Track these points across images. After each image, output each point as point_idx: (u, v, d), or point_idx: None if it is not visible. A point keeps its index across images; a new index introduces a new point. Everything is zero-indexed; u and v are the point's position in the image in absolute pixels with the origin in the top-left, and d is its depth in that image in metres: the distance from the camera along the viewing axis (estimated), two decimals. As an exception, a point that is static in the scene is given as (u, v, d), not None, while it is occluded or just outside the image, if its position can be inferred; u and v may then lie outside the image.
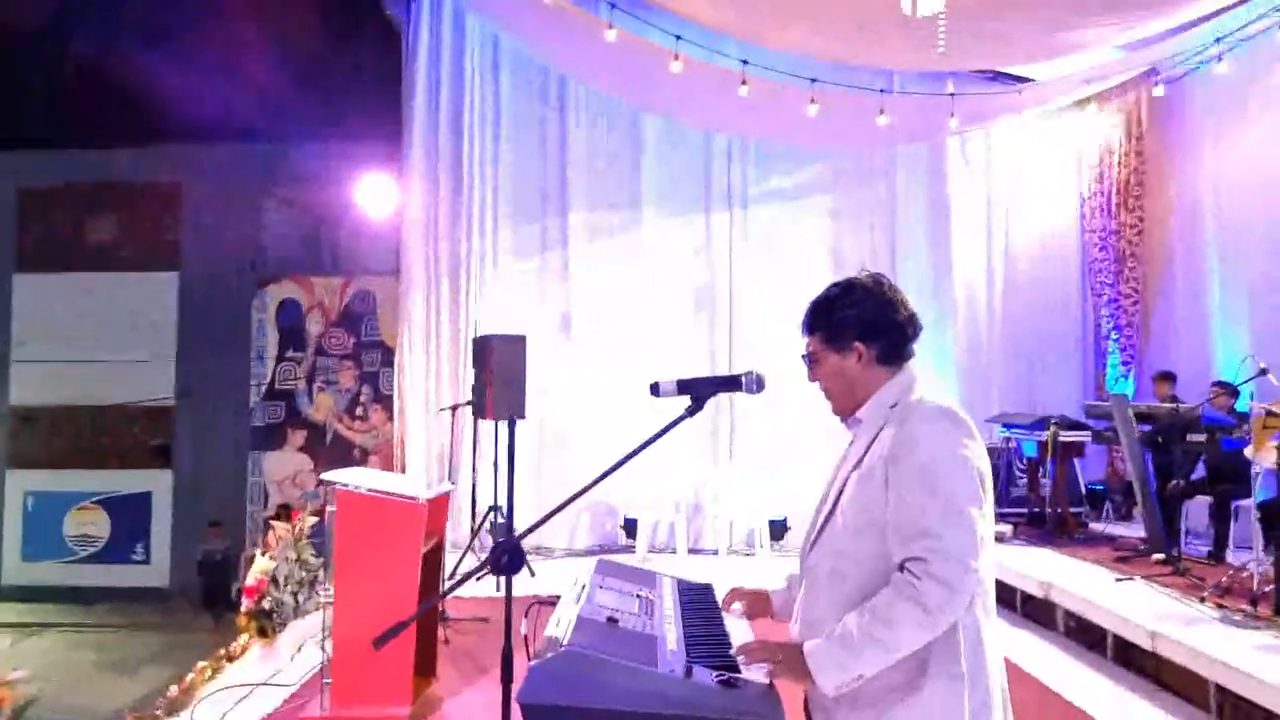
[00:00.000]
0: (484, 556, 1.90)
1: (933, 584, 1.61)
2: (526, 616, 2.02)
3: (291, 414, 12.55)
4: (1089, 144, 9.20)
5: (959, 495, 1.67)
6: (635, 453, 1.92)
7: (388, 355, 10.68)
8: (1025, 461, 8.43)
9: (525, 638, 1.96)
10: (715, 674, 1.62)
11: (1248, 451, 5.57)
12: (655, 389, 1.97)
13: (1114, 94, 8.86)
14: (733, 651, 1.73)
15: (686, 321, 8.93)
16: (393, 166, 9.19)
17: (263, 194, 12.37)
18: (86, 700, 8.07)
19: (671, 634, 1.85)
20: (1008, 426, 8.39)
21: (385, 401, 10.97)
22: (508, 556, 1.92)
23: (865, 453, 1.81)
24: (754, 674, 1.66)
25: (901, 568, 1.66)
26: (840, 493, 1.83)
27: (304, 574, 5.53)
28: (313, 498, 11.13)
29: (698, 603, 2.18)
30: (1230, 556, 6.30)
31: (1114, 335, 9.01)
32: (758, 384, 1.95)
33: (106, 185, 12.78)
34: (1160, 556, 6.29)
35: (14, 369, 12.69)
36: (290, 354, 12.70)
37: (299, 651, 5.27)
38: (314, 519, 5.73)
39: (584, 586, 2.08)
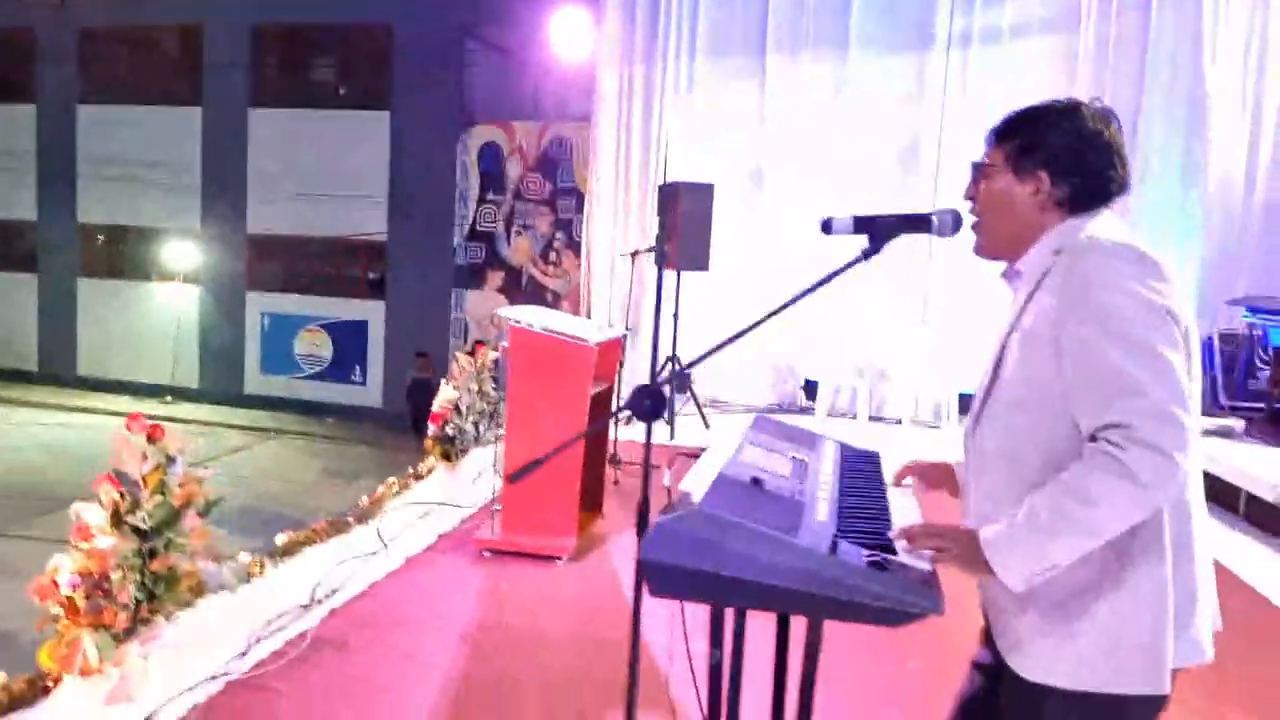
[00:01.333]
0: (622, 404, 1.75)
1: (1141, 450, 1.30)
2: (671, 468, 1.88)
3: (491, 255, 13.00)
4: None
5: (1154, 340, 1.34)
6: (801, 296, 1.69)
7: (581, 202, 10.68)
8: (1270, 352, 7.41)
9: (667, 490, 1.82)
10: (865, 553, 1.41)
11: None
12: (827, 225, 1.71)
13: None
14: (891, 534, 1.50)
15: (890, 179, 8.27)
16: (589, 7, 8.92)
17: (467, 36, 12.44)
18: (316, 502, 9.04)
19: (823, 503, 1.65)
20: (1252, 310, 7.35)
21: (578, 248, 11.08)
22: (650, 401, 1.76)
23: (1025, 308, 1.50)
24: (913, 558, 1.44)
25: (1094, 437, 1.36)
26: (1000, 360, 1.54)
27: (484, 405, 5.72)
28: (504, 336, 11.61)
29: (861, 472, 1.96)
30: None
31: None
32: (953, 224, 1.63)
33: (326, 24, 13.25)
34: None
35: (250, 199, 13.76)
36: (490, 197, 13.03)
37: (478, 477, 5.52)
38: (495, 354, 5.88)
39: (734, 442, 1.90)
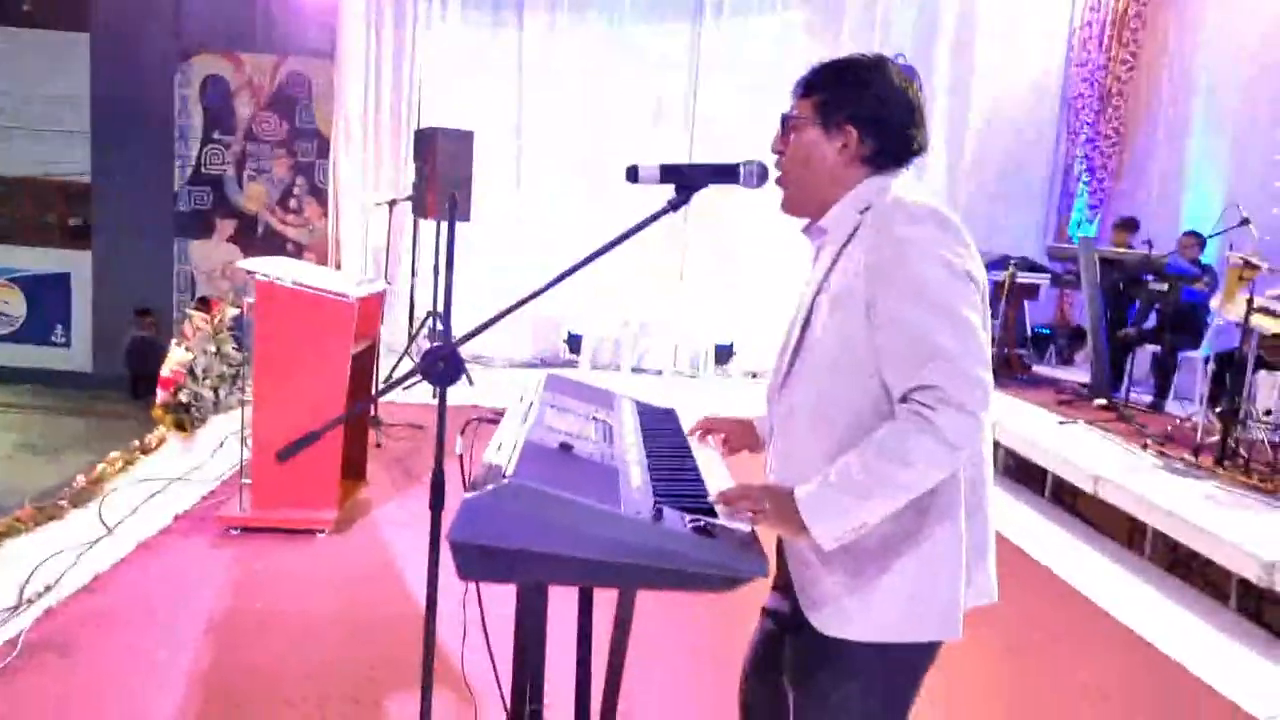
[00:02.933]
0: (415, 366, 1.57)
1: (952, 412, 1.33)
2: (463, 434, 1.72)
3: (220, 201, 11.76)
4: (1088, -33, 8.55)
5: (960, 306, 1.38)
6: (600, 252, 1.57)
7: (324, 146, 9.89)
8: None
9: (460, 458, 1.67)
10: (689, 519, 1.34)
11: (1213, 303, 5.45)
12: (633, 173, 1.60)
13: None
14: (711, 498, 1.44)
15: (644, 133, 8.37)
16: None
17: (185, -48, 11.06)
18: (9, 480, 7.83)
19: (635, 467, 1.57)
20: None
21: (321, 195, 10.28)
22: (444, 363, 1.59)
23: (832, 267, 1.50)
24: (735, 521, 1.39)
25: (905, 398, 1.38)
26: (809, 319, 1.52)
27: (225, 368, 5.18)
28: (241, 291, 10.61)
29: (662, 430, 1.90)
30: (1172, 406, 6.33)
31: (1085, 177, 8.72)
32: (759, 176, 1.58)
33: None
34: (1104, 401, 6.29)
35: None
36: (217, 136, 11.77)
37: (220, 448, 5.01)
38: (235, 311, 5.32)
39: (532, 404, 1.78)
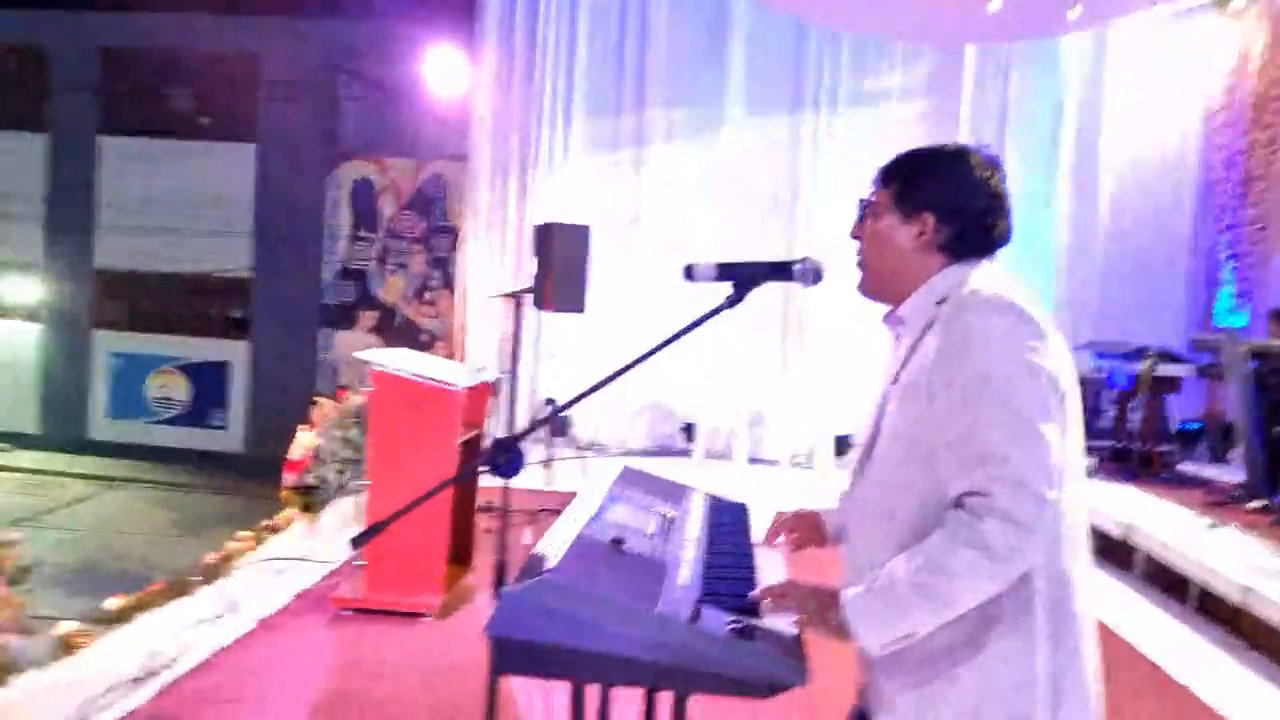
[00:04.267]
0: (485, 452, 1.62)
1: (997, 521, 1.27)
2: (536, 521, 1.76)
3: (363, 294, 12.56)
4: (1223, 50, 8.24)
5: (1027, 408, 1.32)
6: (667, 343, 1.62)
7: (457, 241, 10.47)
8: (1115, 393, 7.87)
9: (528, 549, 1.70)
10: (728, 619, 1.32)
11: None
12: (689, 272, 1.64)
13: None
14: (754, 594, 1.42)
15: (762, 227, 8.48)
16: (467, 46, 8.85)
17: (339, 70, 12.11)
18: (163, 557, 8.38)
19: (686, 564, 1.56)
20: (1100, 355, 7.81)
21: (453, 287, 10.83)
22: (506, 455, 1.64)
23: (907, 359, 1.47)
24: (778, 622, 1.36)
25: (959, 503, 1.32)
26: (882, 411, 1.50)
27: (349, 452, 5.44)
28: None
29: (727, 526, 1.89)
30: (1336, 511, 5.76)
31: (1230, 265, 8.23)
32: (814, 275, 1.59)
33: (186, 50, 12.67)
34: (1258, 504, 5.79)
35: (98, 232, 12.91)
36: (362, 234, 12.63)
37: (341, 529, 5.23)
38: (360, 399, 5.62)
39: (596, 498, 1.80)
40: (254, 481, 11.45)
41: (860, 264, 1.59)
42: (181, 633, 3.79)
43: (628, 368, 1.64)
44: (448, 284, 12.10)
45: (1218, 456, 8.03)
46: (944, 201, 1.50)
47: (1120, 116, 8.34)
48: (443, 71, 9.01)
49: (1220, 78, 8.27)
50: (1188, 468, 7.60)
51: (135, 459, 12.79)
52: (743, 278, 1.59)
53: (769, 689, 1.27)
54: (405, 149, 12.29)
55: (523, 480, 6.62)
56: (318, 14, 11.35)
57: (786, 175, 8.50)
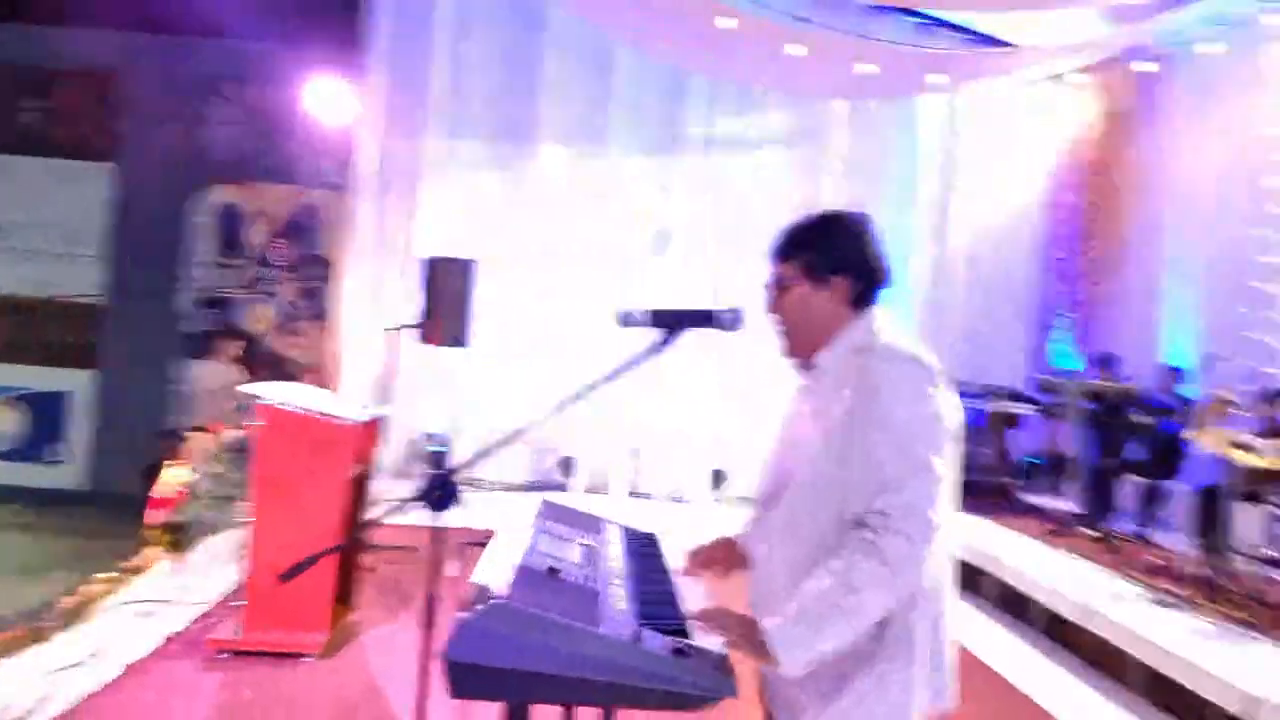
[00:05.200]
0: (416, 485, 1.69)
1: (891, 537, 1.48)
2: (458, 557, 1.83)
3: (226, 323, 12.07)
4: (1065, 117, 9.11)
5: (922, 445, 1.54)
6: (596, 385, 1.74)
7: (329, 271, 10.24)
8: (968, 429, 8.45)
9: (454, 580, 1.77)
10: (666, 640, 1.44)
11: (1189, 435, 5.58)
12: (626, 318, 1.77)
13: (1096, 68, 8.73)
14: (689, 615, 1.55)
15: (642, 262, 8.72)
16: (351, 74, 8.76)
17: (208, 91, 11.70)
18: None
19: (618, 590, 1.67)
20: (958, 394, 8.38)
21: (324, 319, 10.57)
22: (441, 490, 1.71)
23: (824, 401, 1.66)
24: (709, 642, 1.49)
25: (860, 523, 1.52)
26: (796, 445, 1.67)
27: (224, 490, 5.26)
28: (243, 413, 10.75)
29: (645, 554, 2.01)
30: (1156, 537, 6.38)
31: (1065, 311, 9.02)
32: (734, 321, 1.75)
33: (36, 66, 11.96)
34: (1093, 531, 6.35)
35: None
36: (228, 261, 12.17)
37: (213, 570, 5.03)
38: (238, 434, 5.44)
39: (525, 529, 1.89)
40: (99, 521, 10.75)
41: (782, 333, 1.76)
42: (38, 681, 3.58)
43: (548, 416, 1.74)
44: (318, 315, 11.80)
45: (1055, 487, 8.73)
46: (852, 262, 1.70)
47: (973, 174, 9.05)
48: (324, 98, 8.87)
49: (1061, 143, 9.11)
50: (1029, 497, 8.23)
51: (-39, 498, 11.78)
52: (673, 323, 1.73)
53: (704, 702, 1.39)
54: (279, 175, 11.97)
55: (401, 515, 6.51)
56: (188, 32, 10.95)
57: (667, 213, 8.78)
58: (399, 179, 8.68)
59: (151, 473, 11.09)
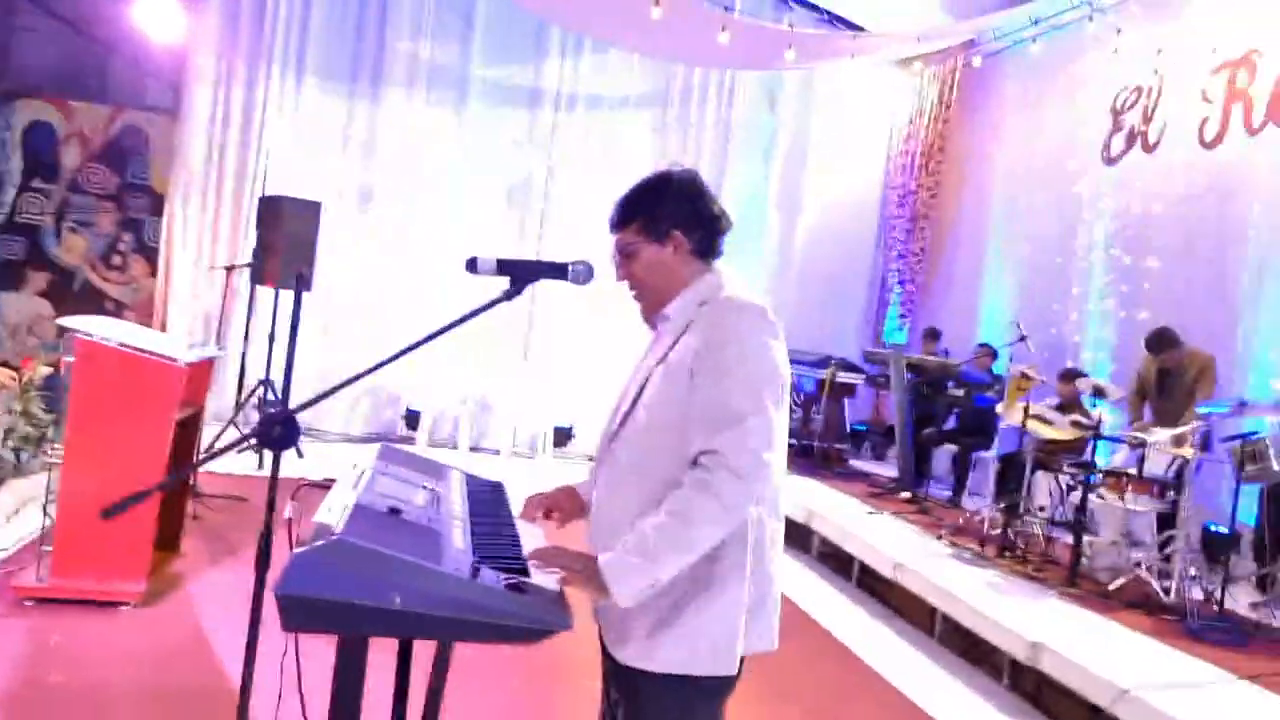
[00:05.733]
0: (254, 425, 1.65)
1: (726, 475, 1.57)
2: (294, 499, 1.81)
3: (35, 252, 11.06)
4: (904, 104, 9.59)
5: (759, 392, 1.64)
6: (438, 333, 1.73)
7: (157, 203, 9.54)
8: (802, 396, 8.86)
9: (290, 522, 1.75)
10: (503, 577, 1.48)
11: (999, 408, 6.08)
12: (473, 265, 1.77)
13: (934, 59, 9.22)
14: (526, 554, 1.60)
15: (497, 215, 8.63)
16: (185, -9, 8.16)
17: (18, -6, 10.58)
18: None
19: (458, 532, 1.70)
20: (792, 362, 8.75)
21: (149, 254, 9.86)
22: (280, 428, 1.68)
23: (671, 348, 1.73)
24: (544, 579, 1.54)
25: (695, 461, 1.61)
26: (642, 388, 1.75)
27: (30, 429, 4.89)
28: (52, 349, 9.93)
29: (488, 501, 2.04)
30: (966, 501, 6.94)
31: (897, 289, 9.57)
32: (586, 274, 1.79)
33: None
34: (908, 495, 6.84)
35: None
36: (38, 184, 11.13)
37: (16, 514, 4.69)
38: (47, 369, 5.05)
39: (364, 472, 1.88)
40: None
41: (638, 296, 1.82)
42: None
43: (386, 362, 1.73)
44: (142, 249, 10.99)
45: (879, 454, 9.32)
46: (686, 216, 1.78)
47: (821, 151, 9.42)
48: (151, 11, 8.20)
49: (901, 127, 9.59)
50: (857, 463, 8.76)
51: None
52: (521, 274, 1.75)
53: (539, 634, 1.44)
54: (96, 94, 11.01)
55: (230, 463, 6.23)
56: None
57: (522, 167, 8.69)
58: (236, 108, 8.16)
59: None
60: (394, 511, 1.64)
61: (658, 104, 9.00)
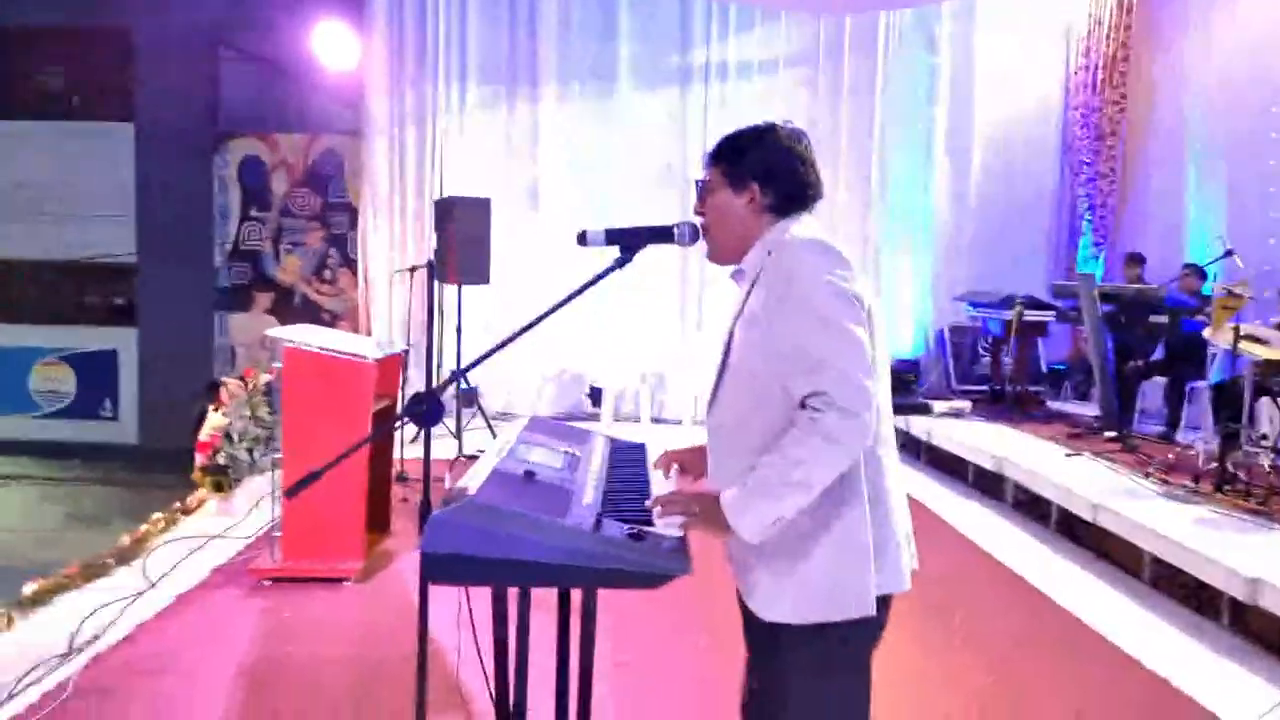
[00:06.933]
0: (404, 406, 1.82)
1: (835, 414, 1.56)
2: (451, 470, 1.98)
3: (258, 275, 12.29)
4: (1078, 16, 8.86)
5: (841, 318, 1.62)
6: (559, 306, 1.85)
7: (355, 218, 10.39)
8: (990, 339, 8.45)
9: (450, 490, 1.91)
10: (625, 527, 1.57)
11: (1206, 332, 5.57)
12: (582, 238, 1.87)
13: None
14: (648, 503, 1.68)
15: (656, 195, 8.73)
16: (353, 18, 8.79)
17: (219, 43, 11.75)
18: (56, 553, 8.16)
19: (590, 489, 1.80)
20: (974, 305, 8.37)
21: (353, 265, 10.75)
22: (426, 406, 1.84)
23: (747, 300, 1.76)
24: (667, 528, 1.62)
25: (803, 404, 1.61)
26: (729, 345, 1.78)
27: (259, 430, 5.50)
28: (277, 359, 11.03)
29: (627, 461, 2.13)
30: (1181, 436, 6.41)
31: (1088, 215, 8.90)
32: (690, 234, 1.84)
33: (53, 27, 12.07)
34: (1112, 434, 6.39)
35: (-34, 220, 12.27)
36: (254, 214, 12.34)
37: (255, 507, 5.30)
38: (268, 377, 5.66)
39: (509, 441, 2.02)
40: (151, 472, 11.19)
41: (706, 236, 1.85)
42: (101, 611, 3.85)
43: (526, 329, 1.86)
44: (347, 262, 11.98)
45: (1081, 394, 8.74)
46: (763, 169, 1.78)
47: (989, 80, 8.87)
48: (330, 43, 8.91)
49: (1076, 42, 8.88)
50: (1056, 405, 8.26)
51: (21, 455, 12.31)
52: (627, 241, 1.82)
53: (660, 579, 1.52)
54: (294, 124, 12.05)
55: (437, 450, 6.72)
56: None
57: (678, 145, 8.76)
58: (411, 122, 8.73)
59: (200, 422, 11.52)
60: (529, 475, 1.76)
61: (808, 62, 8.79)
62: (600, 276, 1.83)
